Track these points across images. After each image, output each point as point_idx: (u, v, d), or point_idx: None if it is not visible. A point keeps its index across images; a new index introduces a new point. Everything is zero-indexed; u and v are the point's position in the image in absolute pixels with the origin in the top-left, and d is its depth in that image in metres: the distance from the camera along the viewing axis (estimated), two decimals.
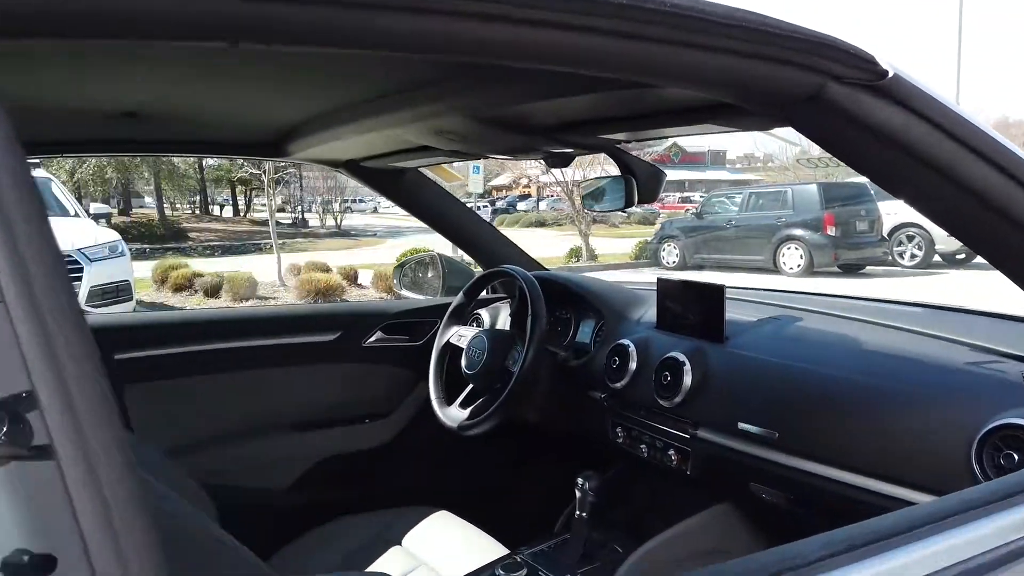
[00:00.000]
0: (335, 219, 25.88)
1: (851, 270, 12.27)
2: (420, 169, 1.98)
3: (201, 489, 1.54)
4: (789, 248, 12.10)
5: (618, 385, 1.61)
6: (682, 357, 1.46)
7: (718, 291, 1.51)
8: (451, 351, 1.92)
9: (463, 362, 1.81)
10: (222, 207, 34.28)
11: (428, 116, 1.23)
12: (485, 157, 1.62)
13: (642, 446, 1.56)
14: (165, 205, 27.18)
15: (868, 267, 12.41)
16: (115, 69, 1.12)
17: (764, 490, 1.33)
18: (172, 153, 1.70)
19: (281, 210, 32.60)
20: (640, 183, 1.39)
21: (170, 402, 1.81)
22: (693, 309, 1.56)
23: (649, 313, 1.76)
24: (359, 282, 10.13)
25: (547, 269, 2.20)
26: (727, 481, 1.43)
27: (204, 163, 27.56)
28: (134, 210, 28.55)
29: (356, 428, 2.06)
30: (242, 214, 31.59)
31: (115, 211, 24.03)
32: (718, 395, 1.41)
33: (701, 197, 18.72)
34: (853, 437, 1.18)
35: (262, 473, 1.92)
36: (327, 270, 10.30)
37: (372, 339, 2.06)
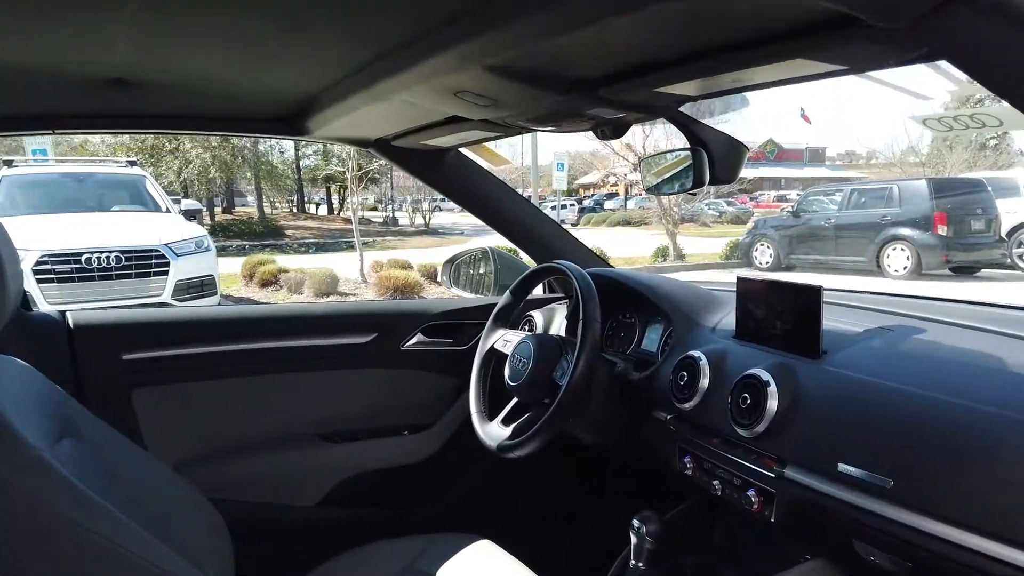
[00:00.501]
0: (424, 218, 26.20)
1: (963, 272, 11.28)
2: (462, 151, 1.75)
3: (212, 505, 1.37)
4: (894, 248, 11.24)
5: (686, 406, 1.33)
6: (766, 376, 1.17)
7: (813, 294, 1.20)
8: (495, 358, 1.68)
9: (506, 372, 1.57)
10: (318, 205, 35.32)
11: (447, 70, 1.00)
12: (525, 130, 1.37)
13: (715, 481, 1.27)
14: (264, 204, 28.23)
15: (983, 270, 11.41)
16: (91, 25, 0.94)
17: (873, 552, 1.02)
18: (171, 130, 1.57)
19: (373, 208, 33.41)
20: (714, 157, 1.11)
21: (184, 408, 1.65)
22: (782, 315, 1.26)
23: (727, 320, 1.47)
24: (439, 280, 10.05)
25: (612, 267, 1.93)
26: (823, 535, 1.13)
27: (301, 163, 28.51)
28: (236, 208, 29.84)
29: (392, 441, 1.85)
30: (336, 212, 32.42)
31: (212, 209, 25.10)
32: (812, 426, 1.11)
33: (798, 195, 17.83)
34: (998, 492, 0.87)
35: (284, 489, 1.74)
36: (407, 267, 10.26)
37: (412, 342, 1.84)
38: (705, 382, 1.31)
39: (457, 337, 1.89)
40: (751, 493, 1.18)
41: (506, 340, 1.65)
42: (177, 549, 0.96)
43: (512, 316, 1.71)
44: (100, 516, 0.80)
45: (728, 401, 1.22)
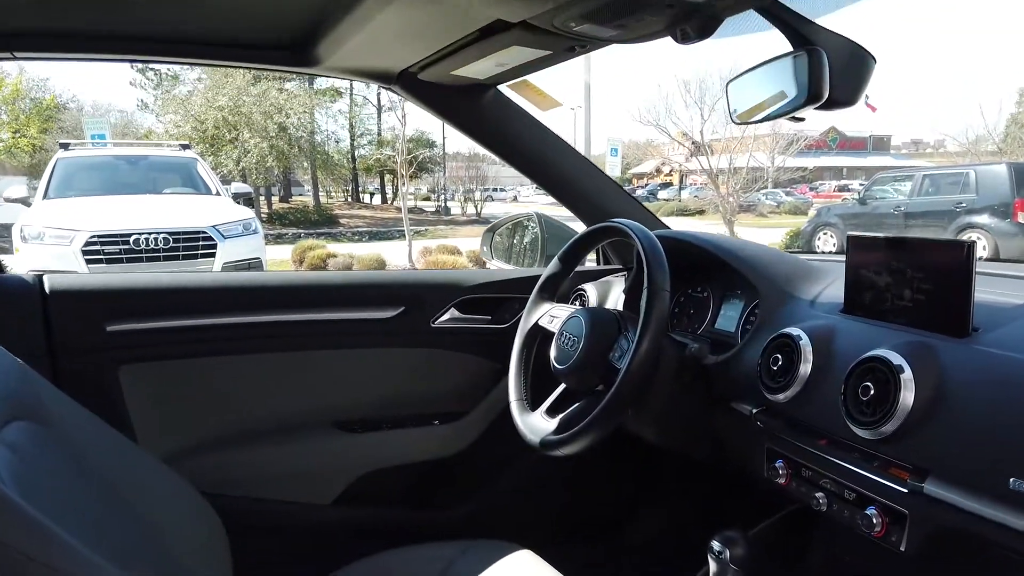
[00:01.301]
0: (476, 207, 26.11)
1: None
2: (501, 90, 1.48)
3: (208, 504, 1.15)
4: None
5: (780, 397, 1.04)
6: (897, 358, 0.87)
7: (960, 252, 0.91)
8: (540, 337, 1.41)
9: (552, 353, 1.30)
10: (372, 195, 35.53)
11: None
12: (579, 41, 1.09)
13: (818, 494, 0.98)
14: (320, 193, 28.54)
15: None
16: None
17: None
18: (154, 56, 1.36)
19: (427, 199, 33.50)
20: (833, 64, 0.82)
21: (179, 389, 1.43)
22: (912, 282, 0.96)
23: (829, 292, 1.17)
24: (487, 267, 9.83)
25: None
26: (977, 573, 0.83)
27: (356, 153, 28.76)
28: (293, 197, 30.26)
29: (419, 432, 1.61)
30: (389, 202, 32.55)
31: (270, 198, 25.46)
32: (964, 427, 0.81)
33: (861, 185, 17.03)
34: None
35: (294, 485, 1.51)
36: (456, 252, 10.08)
37: (444, 318, 1.59)
38: (807, 368, 1.02)
39: (496, 314, 1.63)
40: (871, 512, 0.89)
41: (553, 316, 1.38)
42: (158, 565, 0.79)
43: (560, 288, 1.44)
44: (31, 528, 0.57)
45: (841, 392, 0.92)
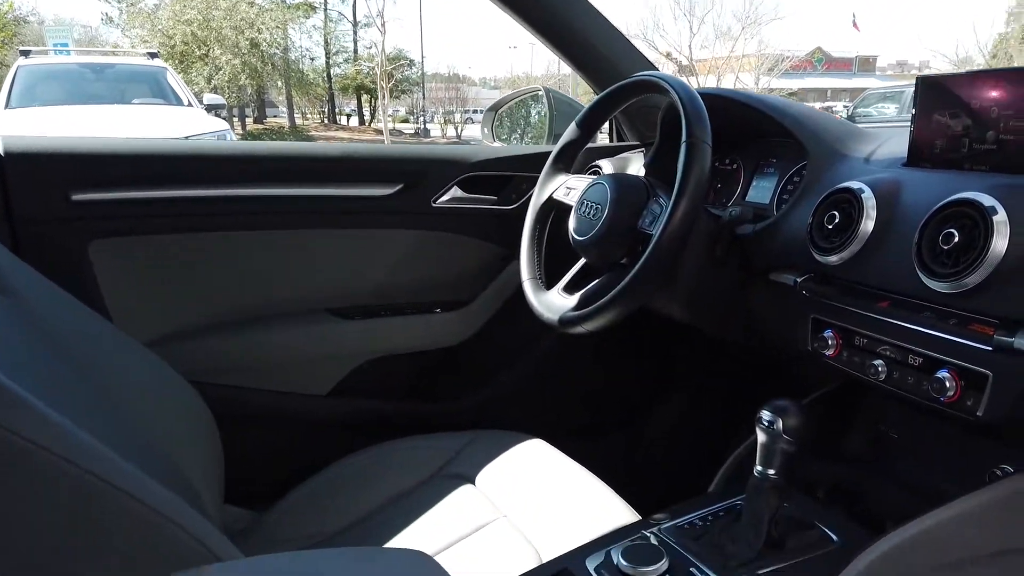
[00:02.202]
0: (456, 129, 25.59)
1: None
2: None
3: (195, 390, 1.04)
4: None
5: (834, 259, 0.93)
6: (988, 200, 0.76)
7: None
8: (555, 211, 1.29)
9: (571, 224, 1.18)
10: (348, 116, 34.61)
11: None
12: None
13: (876, 362, 0.89)
14: (296, 114, 27.72)
15: None
16: None
17: None
18: None
19: (404, 120, 32.69)
20: None
21: (156, 268, 1.30)
22: (999, 121, 0.84)
23: (885, 149, 1.05)
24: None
25: None
26: None
27: (332, 72, 27.86)
28: (268, 119, 29.39)
29: (420, 320, 1.50)
30: (367, 123, 31.75)
31: (244, 119, 24.74)
32: None
33: (845, 107, 16.78)
34: None
35: (288, 374, 1.40)
36: None
37: (445, 197, 1.46)
38: (869, 224, 0.90)
39: (502, 193, 1.50)
40: (944, 375, 0.80)
41: (569, 188, 1.26)
42: (144, 455, 0.69)
43: (577, 157, 1.31)
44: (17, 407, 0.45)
45: (915, 242, 0.82)
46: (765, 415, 0.84)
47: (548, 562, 0.84)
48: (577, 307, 1.12)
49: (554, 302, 1.18)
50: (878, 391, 0.95)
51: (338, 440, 1.33)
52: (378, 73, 12.03)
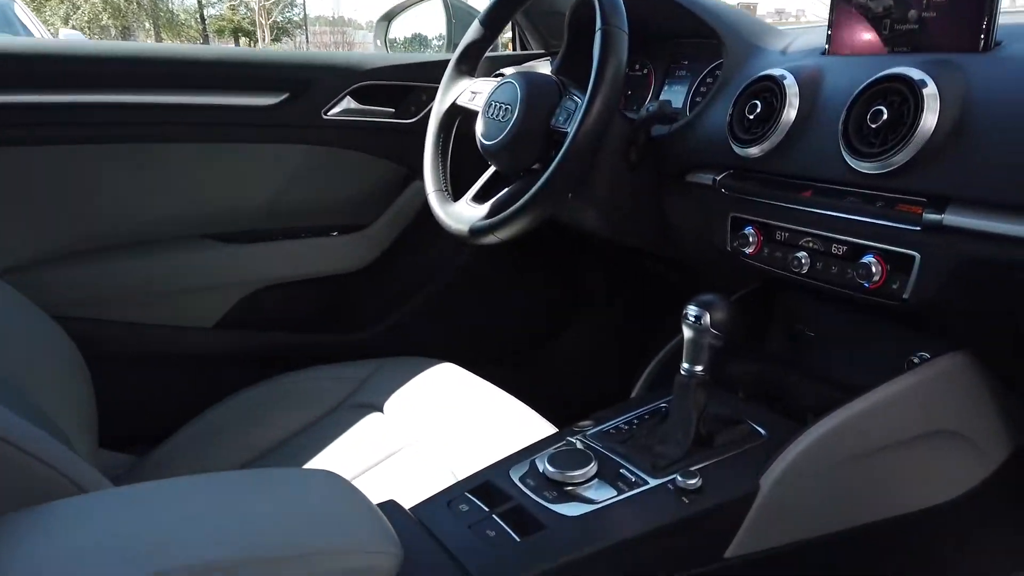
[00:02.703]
0: None
1: None
2: None
3: (58, 326, 0.90)
4: None
5: (755, 151, 0.90)
6: (918, 74, 0.73)
7: None
8: (460, 118, 1.20)
9: (479, 130, 1.10)
10: None
11: None
12: None
13: (800, 254, 0.86)
14: None
15: None
16: None
17: None
18: None
19: None
20: None
21: (7, 187, 1.12)
22: (918, 2, 0.81)
23: (801, 41, 1.02)
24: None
25: None
26: (999, 308, 0.74)
27: (205, 12, 26.12)
28: None
29: (315, 244, 1.38)
30: None
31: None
32: (993, 144, 0.69)
33: None
34: None
35: (166, 306, 1.27)
36: None
37: (338, 109, 1.33)
38: (791, 112, 0.87)
39: (400, 106, 1.39)
40: (868, 260, 0.78)
41: (474, 92, 1.17)
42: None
43: (482, 60, 1.21)
44: None
45: (842, 122, 0.79)
46: (691, 310, 0.80)
47: (468, 476, 0.78)
48: (488, 216, 1.04)
49: (462, 213, 1.10)
50: (797, 287, 0.94)
51: (229, 376, 1.22)
52: (256, 12, 11.31)
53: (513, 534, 0.68)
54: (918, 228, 0.74)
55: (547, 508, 0.71)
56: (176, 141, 1.22)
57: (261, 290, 1.34)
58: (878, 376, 0.85)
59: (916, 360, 0.85)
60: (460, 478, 0.85)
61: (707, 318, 0.79)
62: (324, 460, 1.01)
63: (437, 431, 1.01)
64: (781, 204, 0.89)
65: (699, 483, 0.72)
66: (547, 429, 0.97)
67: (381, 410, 1.10)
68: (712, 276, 1.18)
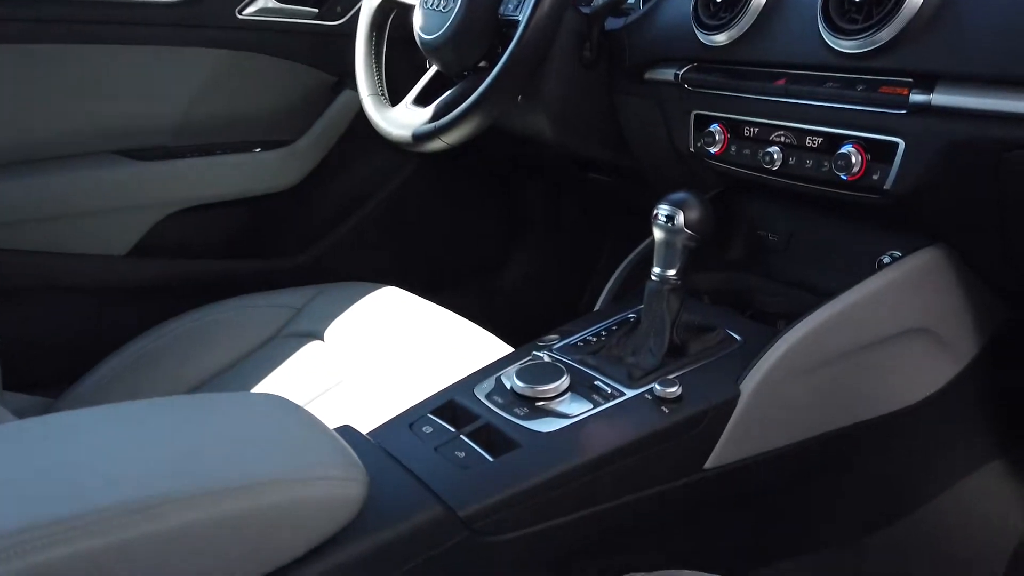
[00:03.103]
0: None
1: None
2: None
3: None
4: None
5: (722, 38, 0.83)
6: None
7: None
8: (394, 13, 1.09)
9: (417, 24, 1.00)
10: None
11: None
12: None
13: (771, 149, 0.81)
14: None
15: None
16: None
17: None
18: None
19: None
20: None
21: None
22: None
23: None
24: None
25: None
26: (984, 196, 0.70)
27: None
28: None
29: (236, 161, 1.26)
30: None
31: None
32: (986, 15, 0.64)
33: None
34: None
35: (69, 231, 1.13)
36: None
37: (253, 8, 1.19)
38: None
39: (326, 5, 1.26)
40: (847, 150, 0.73)
41: None
42: None
43: None
44: None
45: (819, 5, 0.72)
46: (663, 210, 0.74)
47: (429, 397, 0.72)
48: (432, 119, 0.95)
49: (402, 117, 1.00)
50: (760, 190, 0.89)
51: (148, 309, 1.11)
52: None
53: (485, 454, 0.62)
54: (903, 111, 0.69)
55: (519, 425, 0.65)
56: (69, 42, 1.07)
57: (178, 213, 1.21)
58: (848, 278, 0.81)
59: (887, 260, 0.81)
60: (416, 402, 0.79)
61: (680, 217, 0.73)
62: (263, 391, 0.93)
63: (386, 357, 0.94)
64: (751, 96, 0.83)
65: (678, 391, 0.67)
66: (505, 350, 0.92)
67: (322, 338, 1.02)
68: (667, 185, 1.13)
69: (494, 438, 0.64)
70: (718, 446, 0.69)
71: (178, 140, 1.21)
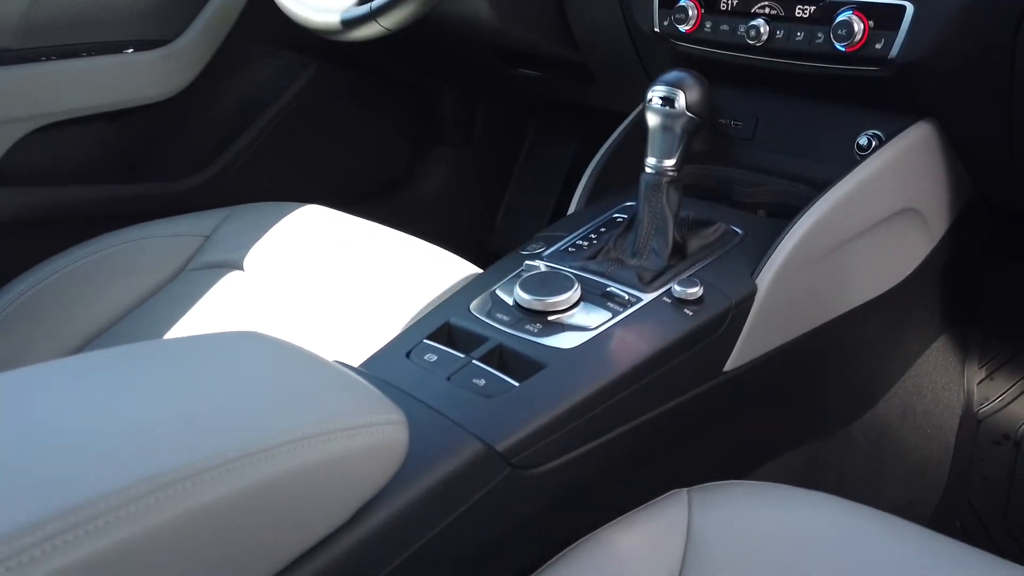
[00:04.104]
0: None
1: None
2: None
3: None
4: None
5: None
6: None
7: None
8: None
9: None
10: None
11: None
12: None
13: (755, 23, 0.74)
14: None
15: None
16: None
17: None
18: None
19: None
20: None
21: None
22: None
23: None
24: None
25: None
26: (994, 66, 0.67)
27: None
28: None
29: (106, 64, 1.04)
30: None
31: None
32: None
33: None
34: None
35: None
36: None
37: None
38: None
39: None
40: (847, 16, 0.67)
41: None
42: None
43: None
44: None
45: None
46: (659, 92, 0.66)
47: (417, 321, 0.62)
48: (363, 0, 0.81)
49: (322, 2, 0.85)
50: (723, 73, 0.82)
51: (18, 250, 0.92)
52: None
53: (508, 379, 0.54)
54: None
55: (536, 343, 0.57)
56: None
57: (39, 131, 1.00)
58: (825, 161, 0.78)
59: (864, 141, 0.78)
60: (391, 331, 0.68)
61: (681, 99, 0.65)
62: (184, 334, 0.79)
63: (327, 284, 0.82)
64: None
65: (700, 291, 0.61)
66: (460, 264, 0.82)
67: (241, 267, 0.88)
68: (615, 77, 1.04)
69: (511, 360, 0.56)
70: (737, 346, 0.64)
71: (25, 41, 0.98)
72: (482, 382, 0.53)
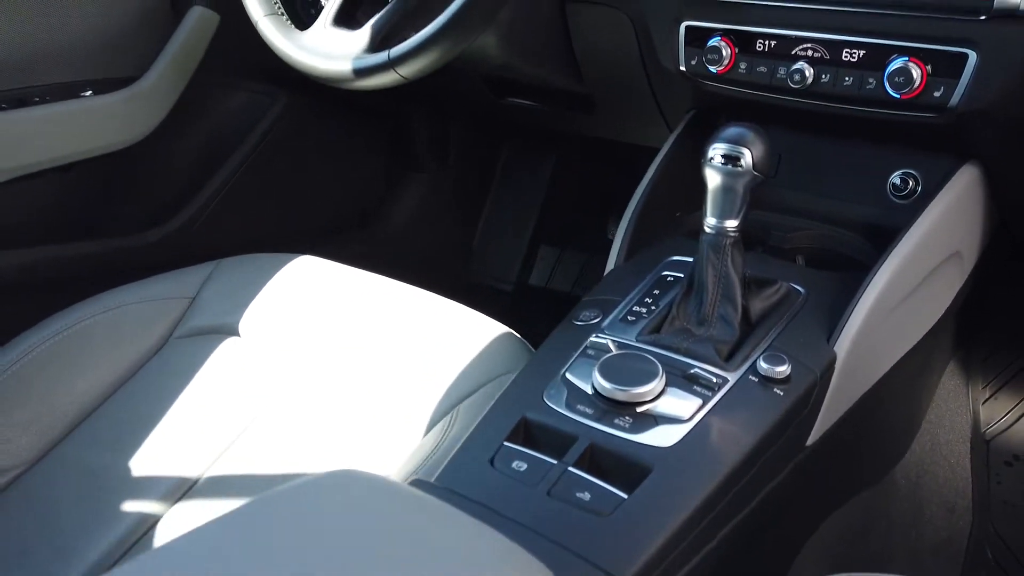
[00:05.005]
0: None
1: None
2: None
3: None
4: None
5: None
6: None
7: None
8: None
9: None
10: None
11: None
12: None
13: (799, 66, 0.70)
14: None
15: None
16: None
17: None
18: None
19: None
20: None
21: None
22: None
23: None
24: None
25: None
26: None
27: None
28: None
29: (60, 111, 0.93)
30: None
31: None
32: None
33: None
34: None
35: None
36: None
37: None
38: None
39: None
40: (901, 64, 0.65)
41: None
42: None
43: None
44: None
45: None
46: (722, 149, 0.61)
47: (486, 416, 0.55)
48: (375, 46, 0.74)
49: (324, 45, 0.77)
50: (742, 111, 0.78)
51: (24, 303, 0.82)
52: None
53: (616, 491, 0.48)
54: (982, 17, 0.61)
55: (632, 441, 0.52)
56: None
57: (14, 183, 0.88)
58: (857, 202, 0.75)
59: (899, 181, 0.76)
60: (426, 408, 0.62)
61: (748, 157, 0.61)
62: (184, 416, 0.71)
63: (336, 348, 0.75)
64: (764, 3, 0.72)
65: (788, 370, 0.57)
66: (483, 322, 0.76)
67: (236, 332, 0.80)
68: (619, 109, 1.00)
69: (606, 462, 0.51)
70: (819, 418, 0.60)
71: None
72: (587, 496, 0.48)
